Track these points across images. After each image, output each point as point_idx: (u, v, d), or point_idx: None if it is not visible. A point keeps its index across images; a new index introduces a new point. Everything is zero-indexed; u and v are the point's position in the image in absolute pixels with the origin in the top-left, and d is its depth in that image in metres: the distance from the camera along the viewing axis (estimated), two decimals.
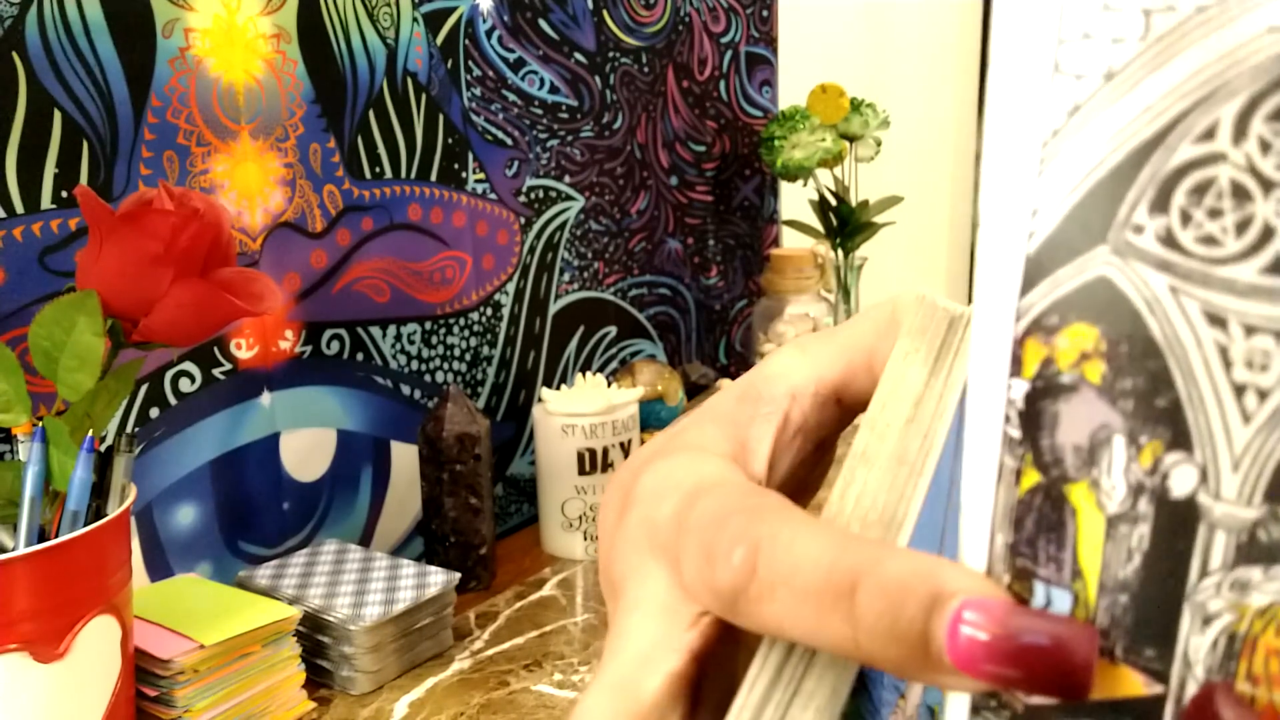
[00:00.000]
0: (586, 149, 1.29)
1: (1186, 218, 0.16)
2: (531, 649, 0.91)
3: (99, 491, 0.66)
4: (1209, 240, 0.16)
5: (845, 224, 1.47)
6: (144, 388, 0.86)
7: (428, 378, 1.11)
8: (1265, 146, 0.15)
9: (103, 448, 0.67)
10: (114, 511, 0.66)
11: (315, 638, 0.84)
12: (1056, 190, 0.17)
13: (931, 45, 2.01)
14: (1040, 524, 0.18)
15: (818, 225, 1.50)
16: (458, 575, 0.91)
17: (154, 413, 0.87)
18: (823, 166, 1.43)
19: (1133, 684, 0.17)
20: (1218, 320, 0.16)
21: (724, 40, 1.52)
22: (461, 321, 1.14)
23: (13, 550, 0.62)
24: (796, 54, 1.65)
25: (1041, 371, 0.17)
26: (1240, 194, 0.15)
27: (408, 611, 0.86)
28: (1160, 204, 0.16)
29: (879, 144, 1.49)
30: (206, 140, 0.88)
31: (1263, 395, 0.16)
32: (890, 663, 0.18)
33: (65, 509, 0.63)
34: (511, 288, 1.20)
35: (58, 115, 0.78)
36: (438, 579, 0.89)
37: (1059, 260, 0.17)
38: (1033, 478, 0.18)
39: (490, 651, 0.90)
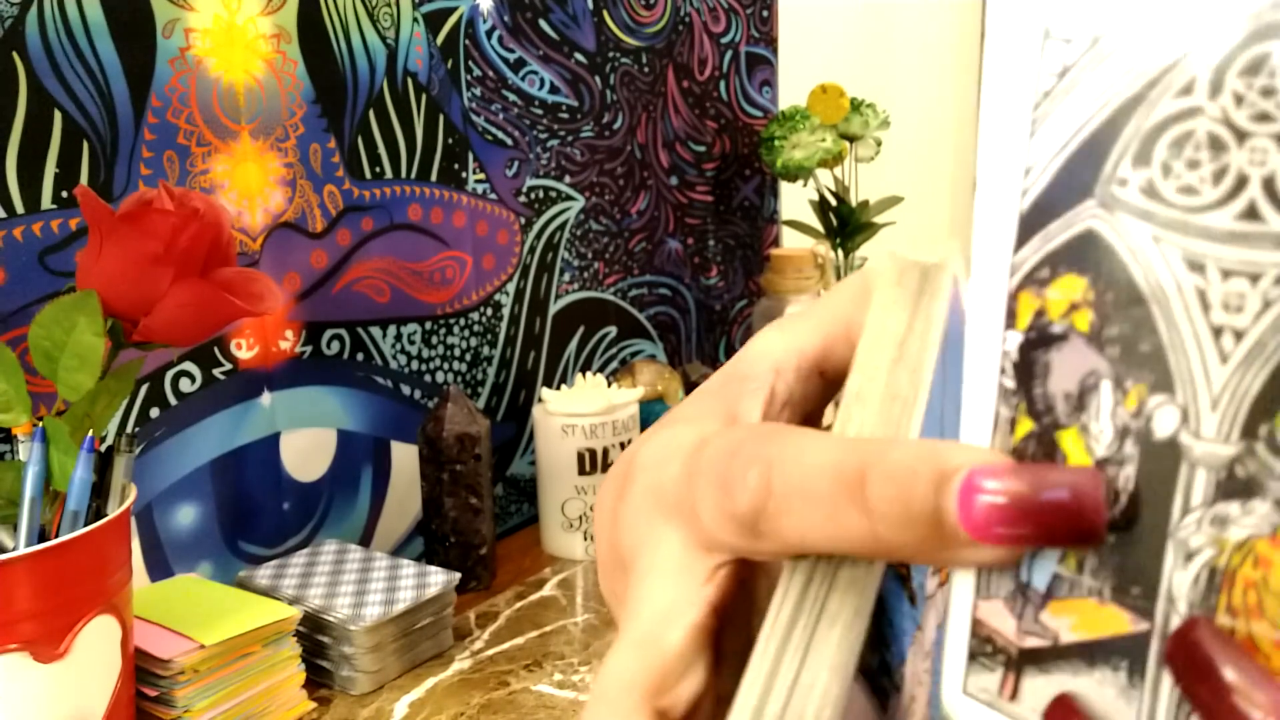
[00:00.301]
0: (586, 149, 1.29)
1: (1167, 169, 0.17)
2: (531, 649, 0.91)
3: (99, 491, 0.66)
4: (1188, 190, 0.17)
5: (845, 224, 1.47)
6: (144, 388, 0.86)
7: (428, 378, 1.11)
8: (1239, 99, 0.16)
9: (103, 448, 0.67)
10: (114, 511, 0.66)
11: (315, 638, 0.84)
12: (1047, 149, 0.18)
13: (931, 45, 2.01)
14: None
15: (818, 225, 1.50)
16: (458, 575, 0.91)
17: (154, 413, 0.87)
18: (823, 166, 1.43)
19: (1120, 622, 0.17)
20: (1196, 266, 0.16)
21: (724, 40, 1.52)
22: (461, 321, 1.14)
23: (13, 550, 0.62)
24: (796, 54, 1.65)
25: (1034, 323, 0.18)
26: (1216, 145, 0.16)
27: (408, 611, 0.86)
28: (1143, 157, 0.17)
29: (879, 144, 1.49)
30: (207, 140, 0.88)
31: (1238, 335, 0.16)
32: (909, 547, 0.18)
33: (65, 509, 0.63)
34: (511, 288, 1.20)
35: (58, 115, 0.78)
36: (438, 579, 0.89)
37: (1050, 215, 0.18)
38: (1026, 425, 0.18)
39: (490, 651, 0.90)
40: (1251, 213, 0.16)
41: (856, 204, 1.47)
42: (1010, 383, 0.18)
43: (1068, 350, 0.18)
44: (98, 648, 0.65)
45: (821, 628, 0.20)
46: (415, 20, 1.05)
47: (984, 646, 0.19)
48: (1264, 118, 0.16)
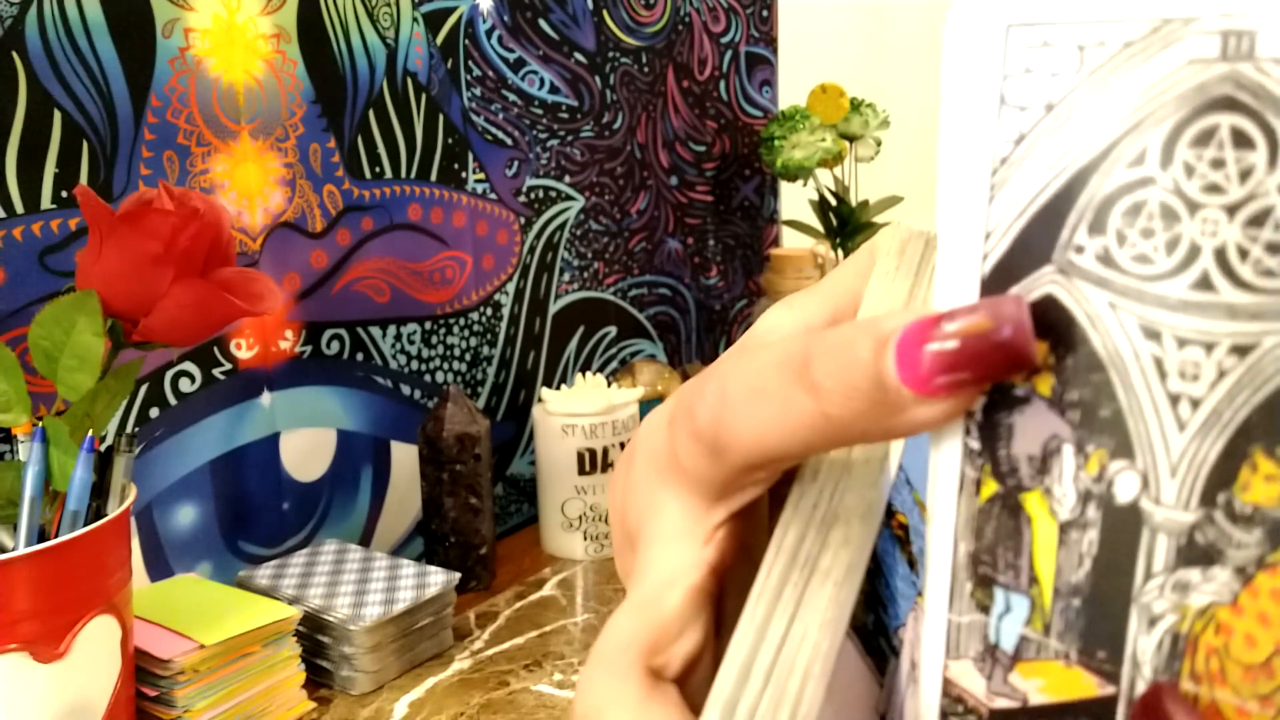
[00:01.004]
0: (586, 149, 1.29)
1: (1122, 238, 0.17)
2: (531, 649, 0.91)
3: (99, 491, 0.66)
4: (1142, 259, 0.17)
5: (845, 224, 1.47)
6: (144, 388, 0.86)
7: (428, 378, 1.11)
8: (1189, 170, 0.16)
9: (103, 448, 0.67)
10: (114, 511, 0.66)
11: (315, 638, 0.84)
12: (1007, 214, 0.18)
13: (931, 45, 2.01)
14: (999, 532, 0.18)
15: (818, 225, 1.50)
16: (458, 575, 0.91)
17: (154, 413, 0.87)
18: (823, 166, 1.43)
19: (1086, 685, 0.18)
20: (1153, 334, 0.17)
21: (724, 40, 1.52)
22: (461, 321, 1.14)
23: (13, 550, 0.62)
24: (796, 54, 1.65)
25: (997, 385, 0.18)
26: (1169, 215, 0.17)
27: (408, 611, 0.86)
28: (1098, 225, 0.17)
29: (879, 144, 1.49)
30: (206, 140, 0.88)
31: (1195, 404, 0.16)
32: (860, 422, 0.19)
33: (65, 509, 0.63)
34: (511, 288, 1.20)
35: (58, 115, 0.78)
36: (438, 579, 0.89)
37: (1010, 280, 0.18)
38: (991, 487, 0.18)
39: (490, 651, 0.90)
40: (1205, 283, 0.16)
41: (856, 204, 1.47)
42: (975, 444, 0.19)
43: (1030, 413, 0.18)
44: (98, 648, 0.65)
45: (814, 584, 0.20)
46: (415, 20, 1.05)
47: (955, 706, 0.19)
48: (1214, 189, 0.16)
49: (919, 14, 1.97)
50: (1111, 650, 0.17)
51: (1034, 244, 0.18)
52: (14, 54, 0.76)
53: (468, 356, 1.16)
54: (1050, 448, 0.18)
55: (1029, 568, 0.18)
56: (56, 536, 0.63)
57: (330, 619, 0.83)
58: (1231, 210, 0.16)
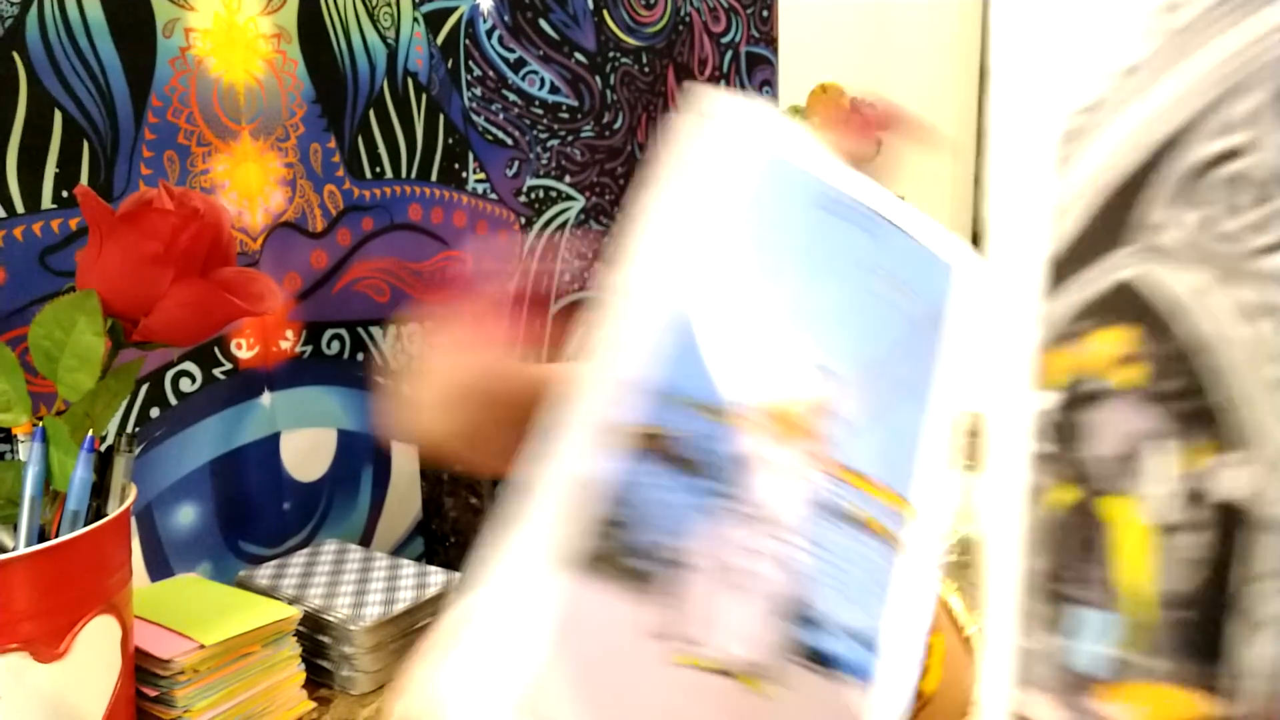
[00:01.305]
0: (587, 149, 1.29)
1: (1222, 210, 0.15)
2: None
3: (99, 491, 0.66)
4: (1240, 233, 0.15)
5: None
6: (144, 388, 0.86)
7: None
8: None
9: (103, 448, 0.67)
10: (114, 511, 0.66)
11: (315, 638, 0.84)
12: (1077, 190, 0.16)
13: (931, 45, 2.01)
14: (1077, 544, 0.16)
15: None
16: (458, 575, 0.91)
17: (154, 413, 0.87)
18: None
19: (1187, 705, 0.16)
20: (1268, 311, 0.15)
21: (724, 40, 1.52)
22: None
23: (13, 550, 0.62)
24: (796, 54, 1.65)
25: (1071, 380, 0.16)
26: (1268, 186, 0.15)
27: (408, 611, 0.86)
28: (1190, 198, 0.16)
29: (879, 144, 1.49)
30: (207, 140, 0.88)
31: None
32: None
33: (65, 509, 0.63)
34: (512, 287, 1.20)
35: (58, 115, 0.78)
36: (438, 579, 0.89)
37: (1083, 262, 0.16)
38: (1067, 494, 0.16)
39: None
40: None
41: None
42: (1045, 447, 0.16)
43: (1114, 409, 0.16)
44: (98, 648, 0.65)
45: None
46: (415, 20, 1.05)
47: None
48: None
49: (919, 14, 1.97)
50: (1217, 663, 0.15)
51: (1111, 222, 0.16)
52: (14, 54, 0.76)
53: None
54: (1141, 445, 0.16)
55: (1114, 581, 0.16)
56: (56, 536, 0.62)
57: (330, 619, 0.83)
58: None
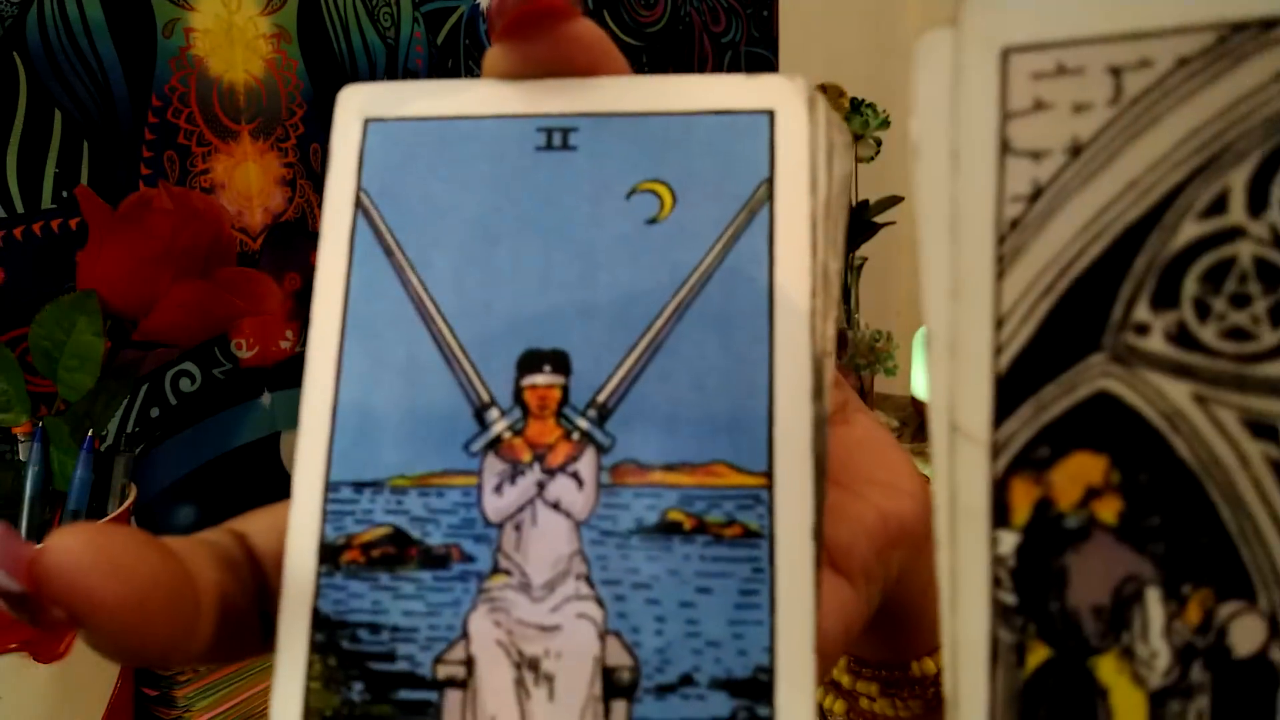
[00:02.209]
0: None
1: (1204, 309, 0.13)
2: None
3: (99, 491, 0.66)
4: (1237, 333, 0.13)
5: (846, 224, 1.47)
6: (144, 388, 0.86)
7: None
8: None
9: (103, 448, 0.67)
10: (114, 511, 0.66)
11: None
12: (1025, 293, 0.14)
13: None
14: (1058, 711, 0.14)
15: None
16: None
17: (154, 413, 0.87)
18: None
19: None
20: (1264, 430, 0.13)
21: (724, 40, 1.52)
22: None
23: None
24: (796, 54, 1.65)
25: (1036, 517, 0.14)
26: (1270, 273, 0.13)
27: None
28: (1167, 296, 0.13)
29: (879, 144, 1.49)
30: (207, 140, 0.88)
31: None
32: None
33: (65, 509, 0.63)
34: None
35: (58, 115, 0.78)
36: None
37: (1041, 377, 0.14)
38: (1041, 653, 0.14)
39: None
40: None
41: (856, 204, 1.47)
42: (1010, 598, 0.14)
43: (1090, 550, 0.14)
44: None
45: None
46: (415, 20, 1.05)
47: None
48: None
49: (920, 14, 1.97)
50: None
51: (1072, 328, 0.14)
52: (14, 54, 0.76)
53: None
54: (1126, 593, 0.13)
55: None
56: None
57: None
58: None
